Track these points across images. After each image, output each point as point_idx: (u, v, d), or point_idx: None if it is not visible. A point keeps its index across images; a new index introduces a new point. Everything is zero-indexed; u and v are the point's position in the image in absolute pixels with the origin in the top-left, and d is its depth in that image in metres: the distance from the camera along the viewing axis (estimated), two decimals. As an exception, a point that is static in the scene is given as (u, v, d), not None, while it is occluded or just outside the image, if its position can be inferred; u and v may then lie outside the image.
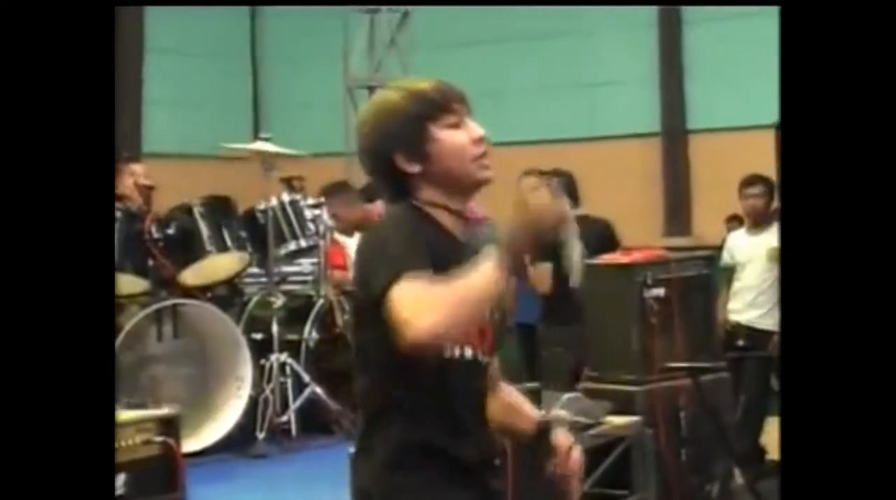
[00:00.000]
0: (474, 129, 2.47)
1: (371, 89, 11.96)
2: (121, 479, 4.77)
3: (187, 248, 6.37)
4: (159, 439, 4.90)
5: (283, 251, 6.66)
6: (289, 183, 7.35)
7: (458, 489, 2.40)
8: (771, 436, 7.13)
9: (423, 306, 2.19)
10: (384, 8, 11.72)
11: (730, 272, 7.45)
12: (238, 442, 6.17)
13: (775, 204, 7.16)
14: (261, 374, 6.31)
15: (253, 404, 6.20)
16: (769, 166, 6.82)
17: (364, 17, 11.82)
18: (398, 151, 2.45)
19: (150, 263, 6.24)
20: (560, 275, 6.11)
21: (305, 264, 7.05)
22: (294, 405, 6.32)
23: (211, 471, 5.76)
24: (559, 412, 2.74)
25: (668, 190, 12.95)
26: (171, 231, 6.34)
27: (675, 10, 12.78)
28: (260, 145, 7.01)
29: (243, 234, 6.57)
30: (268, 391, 6.27)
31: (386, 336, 2.24)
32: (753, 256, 7.36)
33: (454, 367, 2.39)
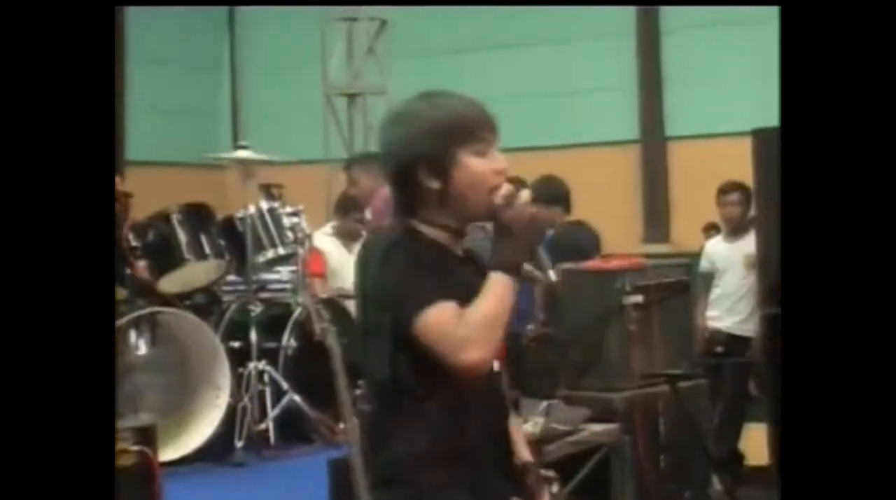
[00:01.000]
0: (498, 160, 2.53)
1: (351, 97, 11.99)
2: (97, 489, 4.75)
3: (165, 255, 6.35)
4: (135, 448, 4.88)
5: (261, 259, 6.63)
6: (267, 191, 7.34)
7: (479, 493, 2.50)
8: (749, 442, 7.16)
9: (467, 336, 2.38)
10: (362, 16, 11.73)
11: (708, 279, 7.48)
12: (216, 451, 6.14)
13: (752, 212, 7.19)
14: (239, 382, 6.29)
15: (231, 412, 6.17)
16: (746, 174, 6.87)
17: (342, 25, 11.83)
18: (421, 163, 2.51)
19: (128, 271, 6.22)
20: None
21: (284, 271, 7.04)
22: (272, 413, 6.30)
23: (189, 480, 5.73)
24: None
25: (647, 197, 12.99)
26: (148, 239, 6.32)
27: (653, 17, 12.83)
28: (239, 153, 7.00)
29: (222, 241, 6.55)
30: (246, 400, 6.25)
31: (417, 356, 2.42)
32: (731, 262, 7.39)
33: (483, 378, 2.50)
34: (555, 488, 2.70)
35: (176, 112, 13.75)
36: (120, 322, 6.05)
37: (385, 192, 7.19)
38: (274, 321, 6.63)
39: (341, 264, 7.80)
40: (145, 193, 6.96)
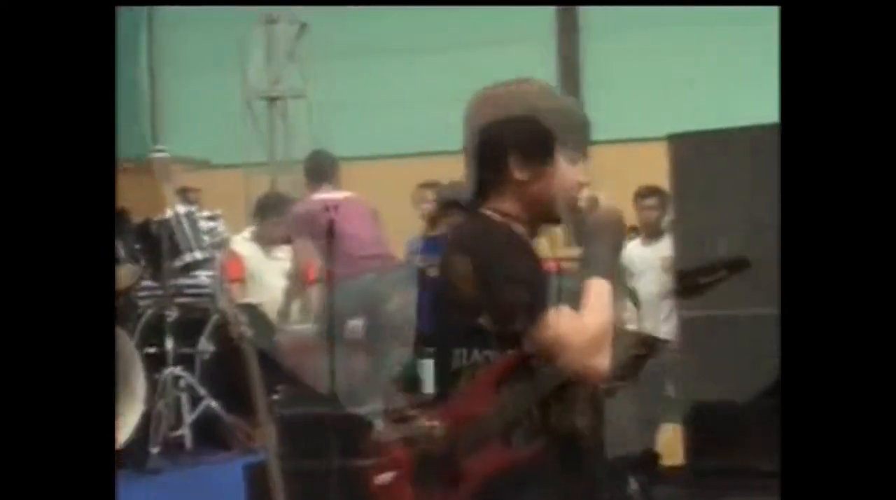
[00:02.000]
0: (581, 173, 2.51)
1: (271, 100, 11.93)
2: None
3: (79, 260, 6.28)
4: (49, 455, 4.82)
5: (177, 264, 6.58)
6: (185, 194, 7.30)
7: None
8: (665, 442, 7.24)
9: (595, 346, 2.37)
10: (282, 19, 11.70)
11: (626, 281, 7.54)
12: (131, 457, 6.08)
13: (668, 216, 7.28)
14: (154, 388, 6.22)
15: (146, 418, 6.11)
16: (663, 178, 6.95)
17: (261, 28, 11.79)
18: (516, 152, 2.43)
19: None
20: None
21: (201, 276, 6.98)
22: (189, 419, 6.25)
23: (104, 487, 5.68)
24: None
25: (566, 201, 13.06)
26: (62, 243, 6.25)
27: (573, 19, 12.91)
28: (155, 155, 6.94)
29: (137, 246, 6.48)
30: (161, 405, 6.19)
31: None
32: (649, 266, 7.47)
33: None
34: None
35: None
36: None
37: (305, 203, 7.16)
38: (190, 326, 6.58)
39: (259, 268, 7.76)
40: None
